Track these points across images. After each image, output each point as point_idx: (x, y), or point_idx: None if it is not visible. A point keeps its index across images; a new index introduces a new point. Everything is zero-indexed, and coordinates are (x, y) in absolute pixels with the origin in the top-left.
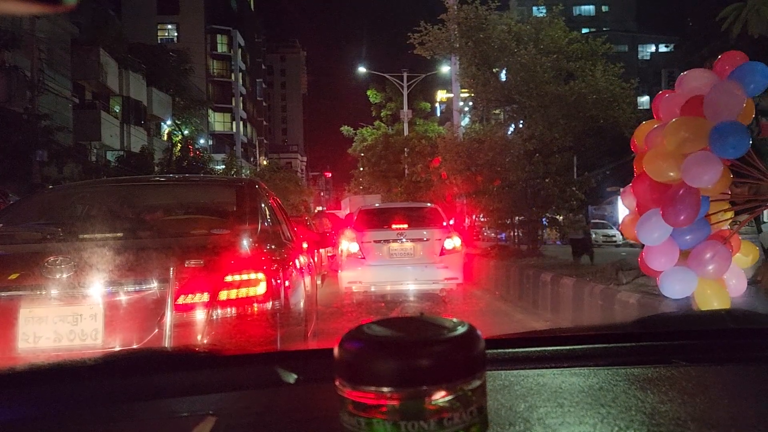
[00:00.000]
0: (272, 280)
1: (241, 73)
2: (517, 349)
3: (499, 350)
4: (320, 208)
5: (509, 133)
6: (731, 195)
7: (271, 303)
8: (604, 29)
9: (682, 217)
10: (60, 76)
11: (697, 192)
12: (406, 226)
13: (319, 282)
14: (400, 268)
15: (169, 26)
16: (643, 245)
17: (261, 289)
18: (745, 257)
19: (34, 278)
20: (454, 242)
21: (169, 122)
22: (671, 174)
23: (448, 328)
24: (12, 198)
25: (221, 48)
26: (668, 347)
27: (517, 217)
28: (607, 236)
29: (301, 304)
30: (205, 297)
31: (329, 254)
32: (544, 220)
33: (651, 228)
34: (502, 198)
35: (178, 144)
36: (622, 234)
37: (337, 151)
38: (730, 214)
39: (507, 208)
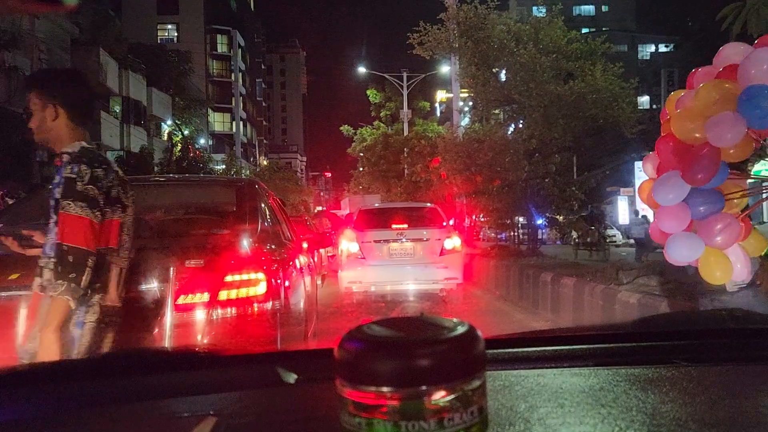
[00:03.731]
0: (272, 280)
1: (240, 73)
2: (517, 349)
3: (499, 350)
4: (320, 208)
5: (509, 133)
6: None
7: (271, 303)
8: (604, 29)
9: (699, 176)
10: None
11: (718, 152)
12: (406, 226)
13: (319, 282)
14: (400, 268)
15: (169, 26)
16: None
17: (261, 289)
18: (755, 244)
19: (35, 278)
20: (454, 242)
21: (169, 122)
22: (696, 135)
23: (448, 328)
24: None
25: (221, 48)
26: (669, 347)
27: (518, 217)
28: (607, 236)
29: (301, 304)
30: (206, 297)
31: (329, 254)
32: (543, 220)
33: (668, 189)
34: (502, 198)
35: (178, 144)
36: (622, 234)
37: (337, 151)
38: (744, 200)
39: (507, 208)
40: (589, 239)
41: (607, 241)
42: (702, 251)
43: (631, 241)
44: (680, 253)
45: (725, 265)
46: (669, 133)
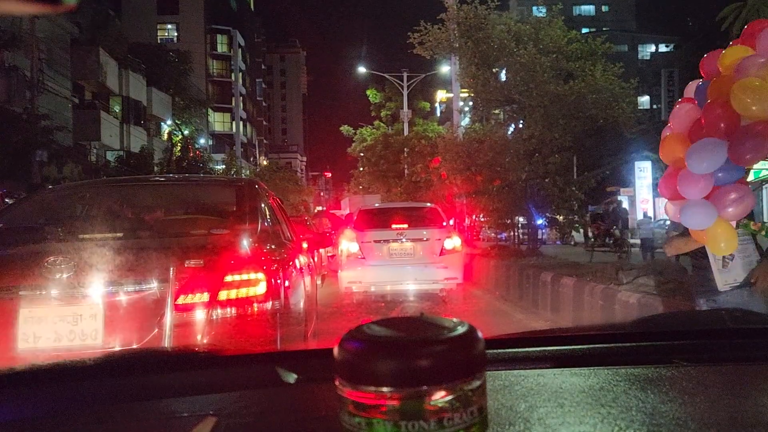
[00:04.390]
0: (272, 279)
1: (240, 73)
2: (517, 349)
3: (499, 350)
4: (320, 208)
5: (509, 133)
6: None
7: (271, 303)
8: (604, 29)
9: (749, 156)
10: (60, 76)
11: None
12: (406, 226)
13: (319, 282)
14: (400, 268)
15: (169, 26)
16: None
17: (261, 289)
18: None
19: (34, 278)
20: (454, 242)
21: (169, 122)
22: (754, 108)
23: (448, 328)
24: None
25: (221, 48)
26: (668, 347)
27: (518, 217)
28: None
29: (301, 304)
30: (205, 297)
31: (329, 254)
32: (543, 220)
33: (704, 157)
34: (502, 198)
35: (178, 144)
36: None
37: (337, 151)
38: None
39: (507, 208)
40: (609, 239)
41: (630, 241)
42: (714, 220)
43: (632, 241)
44: (694, 220)
45: (731, 236)
46: (721, 100)
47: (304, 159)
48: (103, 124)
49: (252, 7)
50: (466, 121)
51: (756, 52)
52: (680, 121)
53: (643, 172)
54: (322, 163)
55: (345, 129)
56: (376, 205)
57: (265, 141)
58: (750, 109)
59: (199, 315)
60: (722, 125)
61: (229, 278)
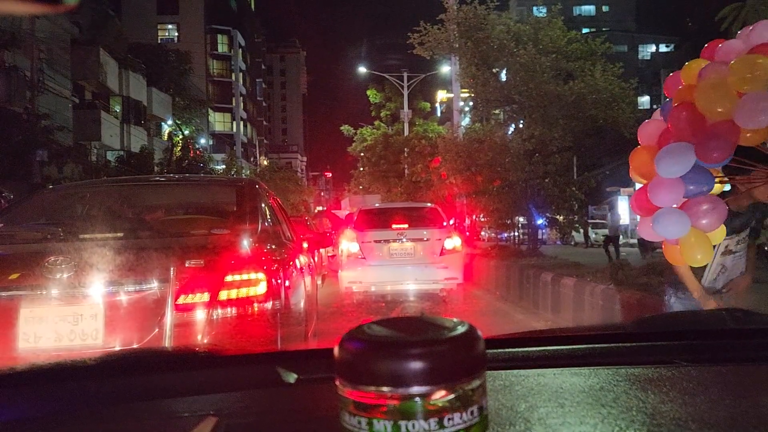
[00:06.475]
0: (272, 279)
1: (241, 73)
2: (517, 349)
3: (500, 350)
4: (320, 208)
5: (509, 133)
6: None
7: (271, 303)
8: (604, 29)
9: (716, 154)
10: (60, 76)
11: (739, 132)
12: (406, 226)
13: (319, 282)
14: (400, 268)
15: (169, 26)
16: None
17: (261, 288)
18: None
19: (35, 278)
20: (454, 242)
21: (169, 122)
22: (720, 109)
23: (448, 328)
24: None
25: (221, 48)
26: (669, 347)
27: (518, 217)
28: (607, 236)
29: (302, 304)
30: (206, 297)
31: (329, 254)
32: (543, 220)
33: (674, 160)
34: (502, 198)
35: (178, 144)
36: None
37: (337, 151)
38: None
39: (507, 208)
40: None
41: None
42: (688, 229)
43: (632, 241)
44: (667, 229)
45: (707, 246)
46: (686, 103)
47: (304, 159)
48: (104, 124)
49: (252, 7)
50: (466, 121)
51: (713, 62)
52: (648, 135)
53: None
54: (322, 163)
55: (345, 129)
56: (377, 205)
57: (265, 141)
58: (715, 109)
59: (200, 315)
60: (689, 128)
61: (229, 278)
